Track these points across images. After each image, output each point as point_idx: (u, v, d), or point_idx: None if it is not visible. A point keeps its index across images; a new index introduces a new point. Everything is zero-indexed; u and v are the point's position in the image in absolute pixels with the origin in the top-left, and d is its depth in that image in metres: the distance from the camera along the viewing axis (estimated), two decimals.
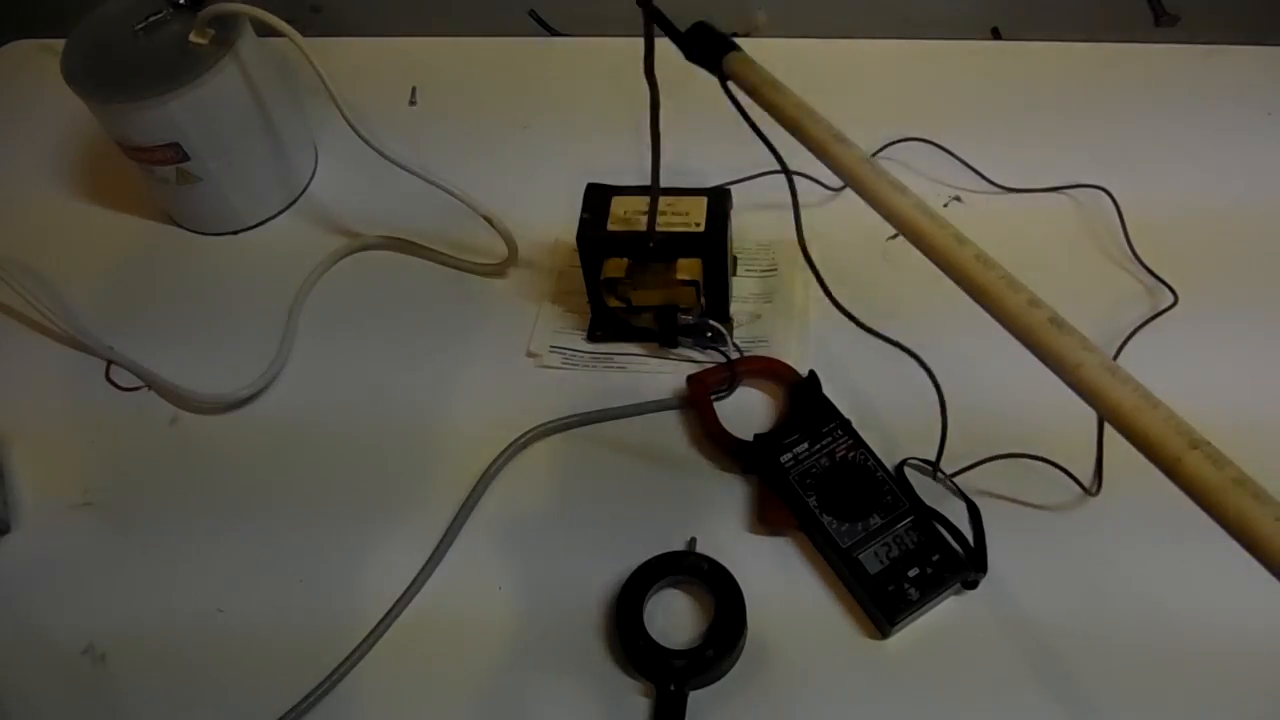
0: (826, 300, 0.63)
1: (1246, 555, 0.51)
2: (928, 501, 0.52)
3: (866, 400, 0.58)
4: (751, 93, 0.41)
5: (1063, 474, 0.54)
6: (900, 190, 0.35)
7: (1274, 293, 0.61)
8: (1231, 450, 0.55)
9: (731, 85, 0.43)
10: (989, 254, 0.33)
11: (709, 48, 0.44)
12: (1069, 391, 0.59)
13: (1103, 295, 0.61)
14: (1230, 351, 0.58)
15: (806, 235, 0.66)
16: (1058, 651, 0.49)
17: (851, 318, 0.50)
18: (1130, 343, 0.59)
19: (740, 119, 0.44)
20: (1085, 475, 0.54)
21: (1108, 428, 0.55)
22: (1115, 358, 0.58)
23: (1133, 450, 0.56)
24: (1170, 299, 0.60)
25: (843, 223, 0.67)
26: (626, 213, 0.57)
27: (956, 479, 0.54)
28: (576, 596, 0.52)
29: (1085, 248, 0.64)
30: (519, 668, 0.51)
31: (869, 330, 0.51)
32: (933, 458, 0.55)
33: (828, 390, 0.57)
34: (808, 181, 0.68)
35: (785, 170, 0.47)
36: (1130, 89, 0.72)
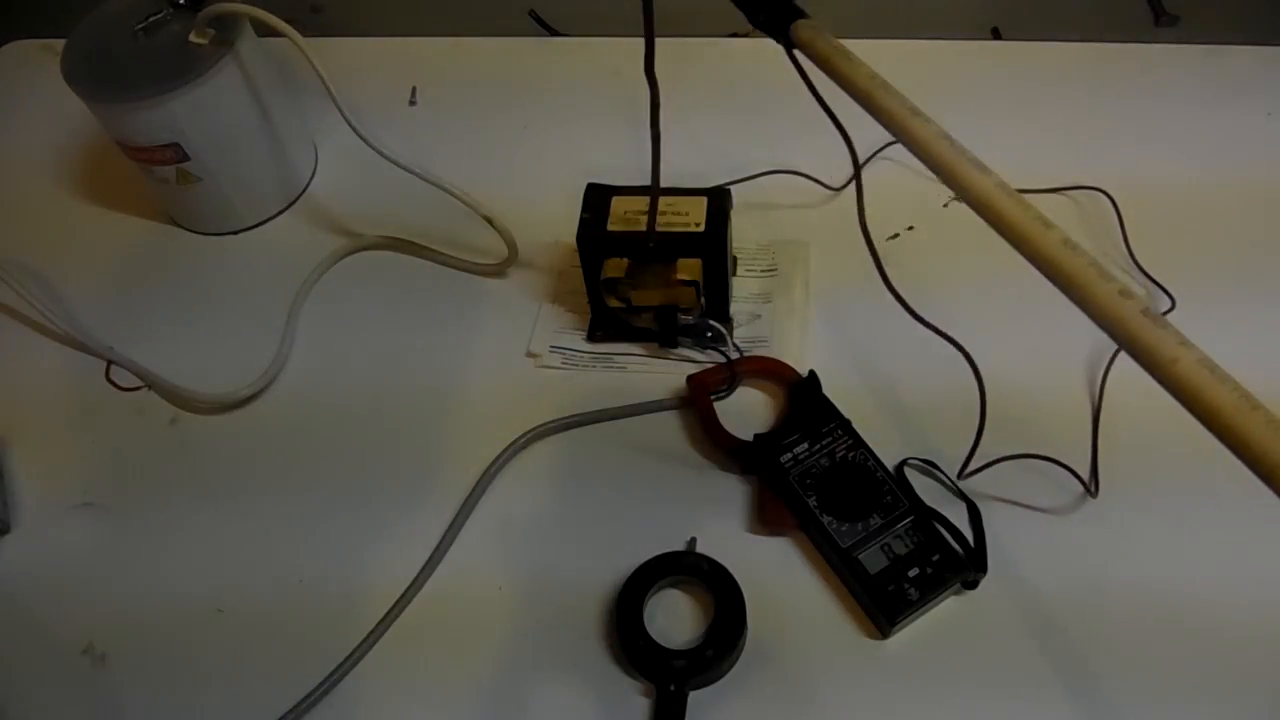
0: (826, 300, 0.63)
1: (1246, 555, 0.51)
2: (928, 501, 0.52)
3: (867, 400, 0.58)
4: (821, 63, 0.39)
5: (1065, 473, 0.54)
6: (982, 169, 0.34)
7: (1273, 294, 0.61)
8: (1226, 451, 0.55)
9: (798, 54, 0.41)
10: (1074, 240, 0.31)
11: (776, 13, 0.42)
12: (1068, 391, 0.59)
13: None
14: (1228, 353, 0.58)
15: (806, 235, 0.66)
16: (1058, 651, 0.49)
17: (903, 302, 0.48)
18: None
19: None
20: (1085, 476, 0.54)
21: (1102, 427, 0.55)
22: (1111, 362, 0.58)
23: (1132, 453, 0.56)
24: (1168, 303, 0.60)
25: (843, 222, 0.67)
26: (626, 213, 0.57)
27: (958, 480, 0.54)
28: (576, 596, 0.52)
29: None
30: (519, 667, 0.51)
31: (917, 317, 0.49)
32: (932, 458, 0.55)
33: (828, 390, 0.57)
34: (808, 181, 0.68)
35: (848, 142, 0.45)
36: (1130, 89, 0.72)
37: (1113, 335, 0.30)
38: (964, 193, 0.34)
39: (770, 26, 0.42)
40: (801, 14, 0.41)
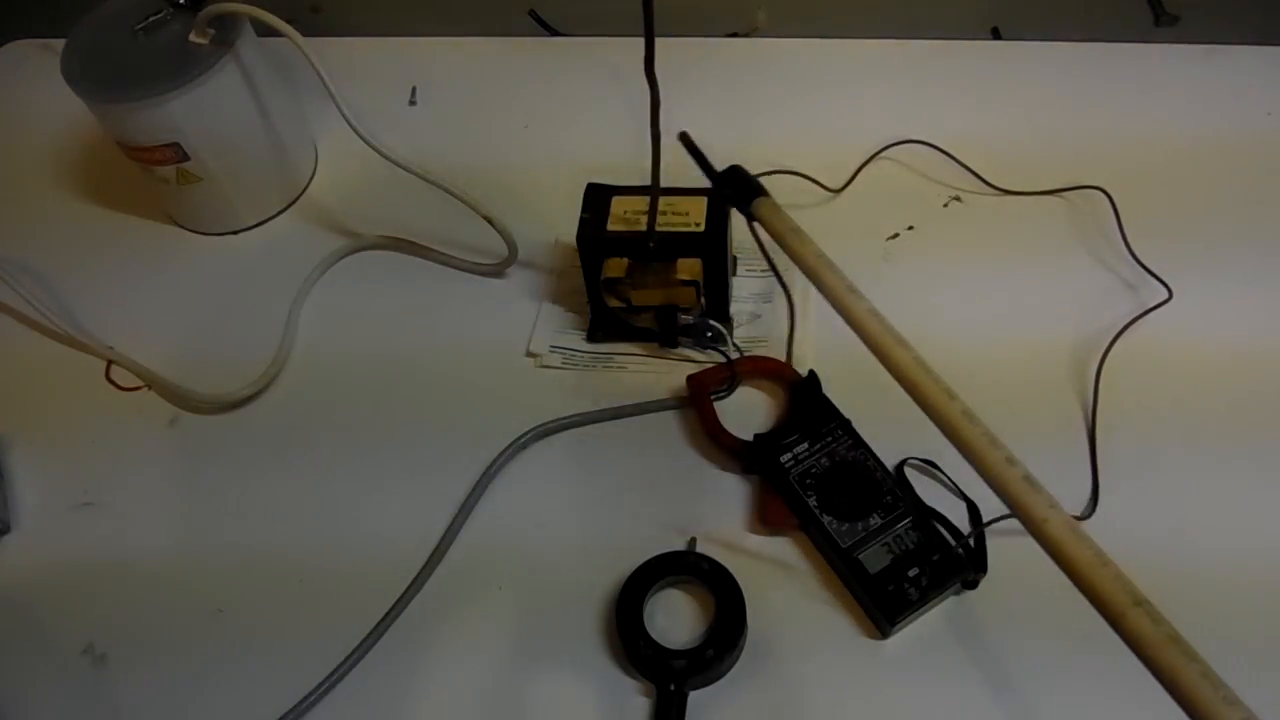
0: (826, 300, 0.63)
1: (1246, 555, 0.51)
2: (928, 501, 0.52)
3: (867, 400, 0.58)
4: (776, 238, 0.45)
5: (1066, 474, 0.54)
6: (903, 344, 0.39)
7: (1270, 290, 0.61)
8: (1221, 439, 0.56)
9: (756, 226, 0.47)
10: (974, 410, 0.37)
11: (741, 190, 0.48)
12: (1065, 390, 0.59)
13: (1100, 295, 0.61)
14: (1225, 345, 0.59)
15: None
16: (1057, 652, 0.49)
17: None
18: (1122, 337, 0.59)
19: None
20: (1085, 475, 0.54)
21: (1101, 427, 0.55)
22: (1107, 352, 0.58)
23: (1132, 452, 0.56)
24: (1165, 295, 0.60)
25: (844, 222, 0.67)
26: (626, 213, 0.57)
27: (958, 480, 0.54)
28: (576, 596, 0.52)
29: (1083, 248, 0.64)
30: (519, 667, 0.51)
31: None
32: (932, 458, 0.55)
33: (827, 390, 0.57)
34: (808, 182, 0.68)
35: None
36: (1130, 89, 0.72)
37: (998, 493, 0.35)
38: (886, 364, 0.39)
39: (736, 200, 0.48)
40: (763, 192, 0.47)
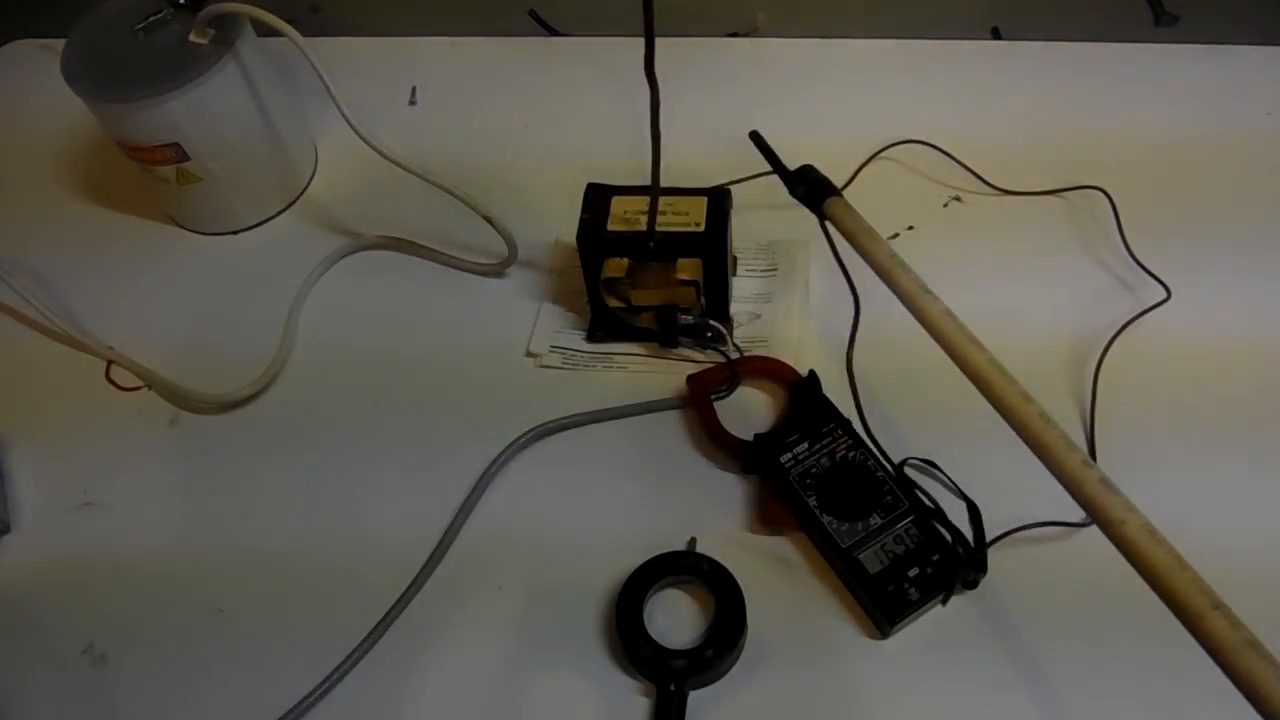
0: (826, 300, 0.63)
1: (1248, 555, 0.51)
2: (928, 501, 0.52)
3: (867, 400, 0.58)
4: (848, 237, 0.46)
5: None
6: (978, 346, 0.39)
7: (1269, 290, 0.61)
8: (1220, 439, 0.55)
9: (829, 225, 0.48)
10: (1049, 412, 0.37)
11: (813, 190, 0.49)
12: (1064, 388, 0.59)
13: (1099, 294, 0.61)
14: (1225, 344, 0.59)
15: (806, 235, 0.66)
16: (1058, 652, 0.49)
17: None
18: (1121, 337, 0.59)
19: (829, 253, 0.50)
20: None
21: (1100, 426, 0.55)
22: (1106, 352, 0.58)
23: (1131, 451, 0.56)
24: (1163, 295, 0.60)
25: None
26: (626, 213, 0.57)
27: (958, 480, 0.54)
28: (576, 596, 0.52)
29: (1082, 248, 0.64)
30: (518, 667, 0.51)
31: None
32: (932, 458, 0.55)
33: (828, 390, 0.57)
34: (822, 174, 0.68)
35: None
36: (1130, 89, 0.72)
37: (1074, 495, 0.35)
38: (962, 365, 0.39)
39: (808, 199, 0.49)
40: (836, 192, 0.47)
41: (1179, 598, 0.32)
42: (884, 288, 0.62)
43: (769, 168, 0.68)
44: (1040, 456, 0.36)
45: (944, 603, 0.50)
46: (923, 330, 0.57)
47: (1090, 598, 0.50)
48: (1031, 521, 0.52)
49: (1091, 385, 0.57)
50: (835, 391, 0.57)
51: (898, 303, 0.63)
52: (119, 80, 0.62)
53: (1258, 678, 0.29)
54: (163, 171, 0.66)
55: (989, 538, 0.52)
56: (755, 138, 0.49)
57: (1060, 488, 0.53)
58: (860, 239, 0.45)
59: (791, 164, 0.68)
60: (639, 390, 0.60)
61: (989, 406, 0.57)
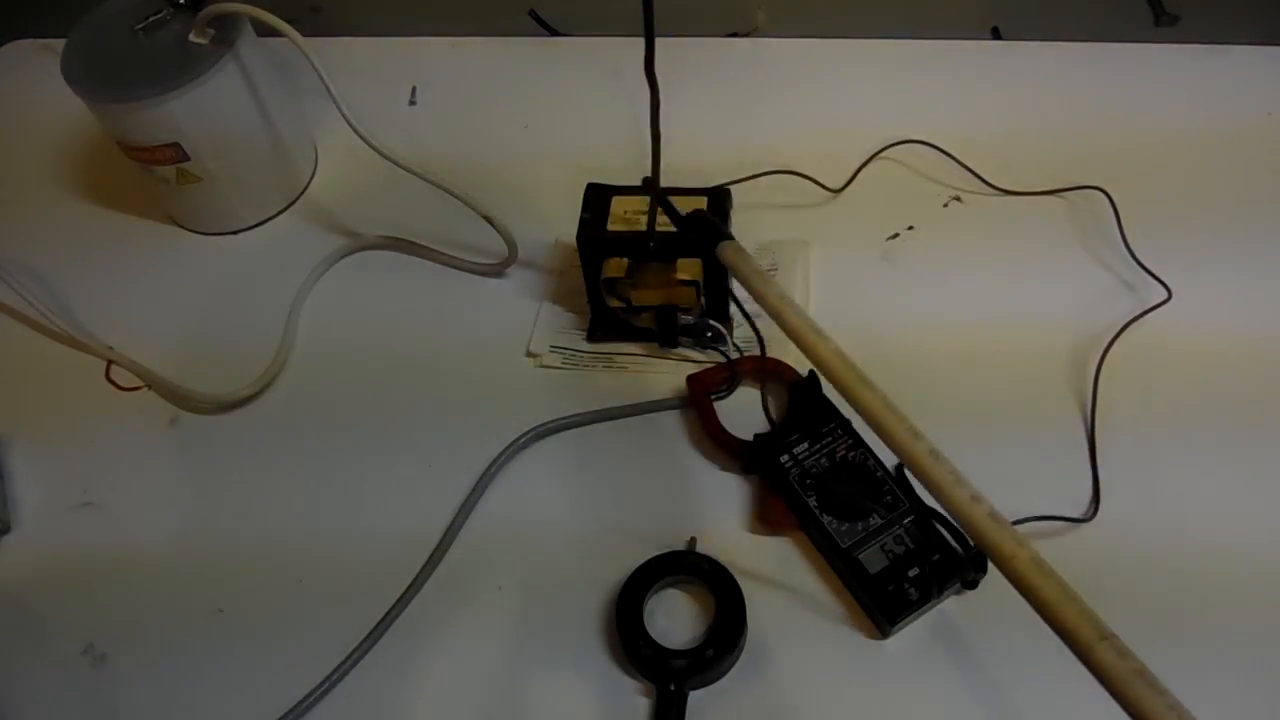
0: (826, 300, 0.63)
1: (1248, 554, 0.51)
2: (928, 501, 0.52)
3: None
4: (740, 280, 0.47)
5: (1066, 475, 0.54)
6: (868, 385, 0.40)
7: (1269, 290, 0.61)
8: (1221, 439, 0.55)
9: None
10: (939, 448, 0.38)
11: (704, 234, 0.50)
12: (1064, 388, 0.59)
13: (1099, 295, 0.61)
14: (1225, 343, 0.59)
15: (806, 235, 0.66)
16: (1057, 652, 0.49)
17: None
18: (1121, 337, 0.59)
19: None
20: (1084, 474, 0.54)
21: (1100, 426, 0.55)
22: (1106, 352, 0.58)
23: (1131, 450, 0.56)
24: (1164, 295, 0.60)
25: (843, 223, 0.67)
26: (626, 213, 0.57)
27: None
28: (576, 596, 0.52)
29: (1082, 248, 0.64)
30: (519, 667, 0.51)
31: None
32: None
33: (828, 390, 0.57)
34: (808, 182, 0.68)
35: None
36: (1130, 89, 0.72)
37: (965, 530, 0.36)
38: (852, 403, 0.40)
39: (699, 247, 0.50)
40: (728, 237, 0.49)
41: (1069, 629, 0.33)
42: (888, 289, 0.63)
43: (769, 168, 0.68)
44: (932, 492, 0.37)
45: (938, 592, 0.50)
46: (922, 328, 0.57)
47: (1091, 595, 0.50)
48: (1031, 515, 0.52)
49: (1092, 385, 0.57)
50: (835, 391, 0.57)
51: (897, 303, 0.63)
52: (119, 80, 0.62)
53: (1145, 707, 0.31)
54: (163, 171, 0.66)
55: None
56: (647, 183, 0.51)
57: (1063, 482, 0.54)
58: (752, 282, 0.46)
59: (792, 164, 0.69)
60: (639, 390, 0.60)
61: (987, 403, 0.57)
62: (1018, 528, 0.51)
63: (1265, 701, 0.47)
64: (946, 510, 0.37)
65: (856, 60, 0.77)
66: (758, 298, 0.45)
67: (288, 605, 0.54)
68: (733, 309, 0.62)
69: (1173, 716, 0.30)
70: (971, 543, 0.36)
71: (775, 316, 0.44)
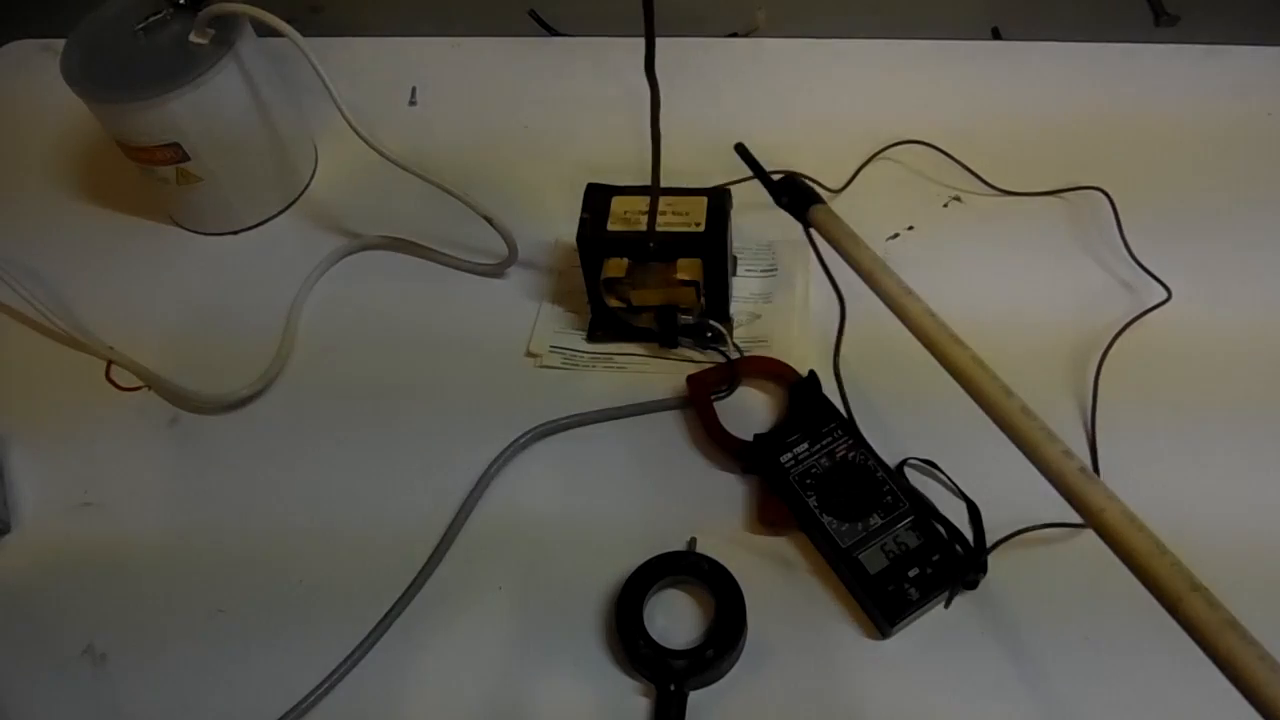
0: (826, 300, 0.63)
1: (1249, 553, 0.51)
2: (927, 502, 0.52)
3: (867, 400, 0.58)
4: (832, 243, 0.47)
5: None
6: (960, 344, 0.40)
7: (1269, 290, 0.61)
8: (1220, 439, 0.55)
9: (813, 231, 0.49)
10: (1029, 406, 0.37)
11: (798, 198, 0.50)
12: (1064, 389, 0.59)
13: (1099, 295, 0.61)
14: (1225, 344, 0.59)
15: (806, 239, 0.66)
16: (1057, 652, 0.49)
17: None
18: (1121, 337, 0.59)
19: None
20: None
21: (1100, 426, 0.55)
22: (1106, 352, 0.58)
23: (1131, 449, 0.56)
24: (1164, 295, 0.60)
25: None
26: (626, 213, 0.57)
27: (958, 480, 0.54)
28: (576, 596, 0.52)
29: (1082, 248, 0.64)
30: (519, 667, 0.51)
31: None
32: (932, 458, 0.55)
33: (827, 390, 0.57)
34: (808, 182, 0.68)
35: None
36: (1130, 89, 0.72)
37: (1055, 486, 0.36)
38: (944, 362, 0.40)
39: (793, 208, 0.50)
40: (819, 200, 0.49)
41: (1159, 581, 0.33)
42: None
43: (772, 168, 0.68)
44: (1022, 449, 0.37)
45: (946, 604, 0.50)
46: None
47: (1090, 598, 0.50)
48: (1034, 524, 0.52)
49: (1093, 385, 0.57)
50: (835, 391, 0.57)
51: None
52: (119, 80, 0.62)
53: (1236, 656, 0.30)
54: (163, 171, 0.66)
55: (989, 538, 0.52)
56: (741, 150, 0.50)
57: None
58: (844, 244, 0.46)
59: (792, 164, 0.69)
60: (639, 390, 0.60)
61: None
62: (1017, 536, 0.52)
63: None
64: (1037, 466, 0.37)
65: (856, 60, 0.77)
66: (850, 261, 0.45)
67: (288, 605, 0.54)
68: (733, 309, 0.62)
69: (1264, 667, 0.30)
70: (1063, 498, 0.36)
71: (867, 279, 0.44)
